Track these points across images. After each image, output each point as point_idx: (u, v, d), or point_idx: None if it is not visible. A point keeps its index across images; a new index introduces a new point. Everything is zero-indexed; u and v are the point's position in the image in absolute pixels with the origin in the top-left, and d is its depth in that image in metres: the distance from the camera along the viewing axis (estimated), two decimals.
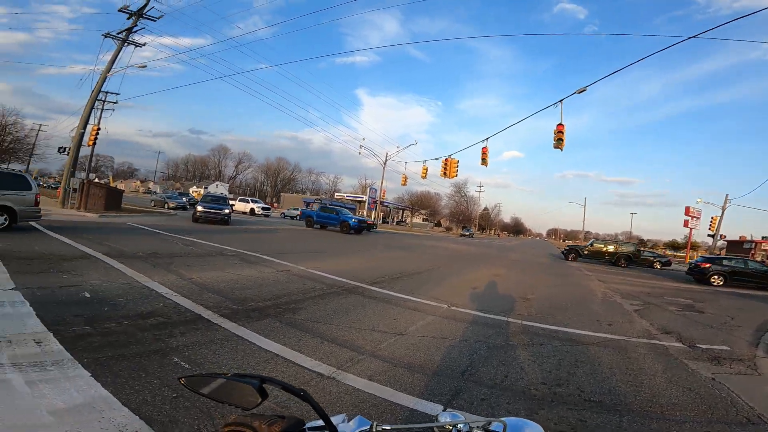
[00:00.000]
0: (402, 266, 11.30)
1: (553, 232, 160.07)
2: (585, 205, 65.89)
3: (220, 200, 20.88)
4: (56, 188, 29.82)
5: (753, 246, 40.09)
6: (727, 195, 38.47)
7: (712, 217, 40.62)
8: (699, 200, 42.76)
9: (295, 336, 4.12)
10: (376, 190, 51.86)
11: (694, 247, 52.05)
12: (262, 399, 0.72)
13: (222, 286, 5.95)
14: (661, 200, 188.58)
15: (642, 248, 31.48)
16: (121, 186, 71.32)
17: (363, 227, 25.33)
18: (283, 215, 44.48)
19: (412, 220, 68.46)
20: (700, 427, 3.03)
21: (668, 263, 31.70)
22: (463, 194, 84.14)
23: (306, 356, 3.59)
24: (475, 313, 6.25)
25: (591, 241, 25.02)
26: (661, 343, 5.59)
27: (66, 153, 20.72)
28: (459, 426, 0.80)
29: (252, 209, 36.53)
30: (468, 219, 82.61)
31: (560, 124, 13.94)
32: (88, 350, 3.14)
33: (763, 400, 3.73)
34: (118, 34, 20.06)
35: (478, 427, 0.80)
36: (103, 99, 25.31)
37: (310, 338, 4.11)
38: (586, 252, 25.75)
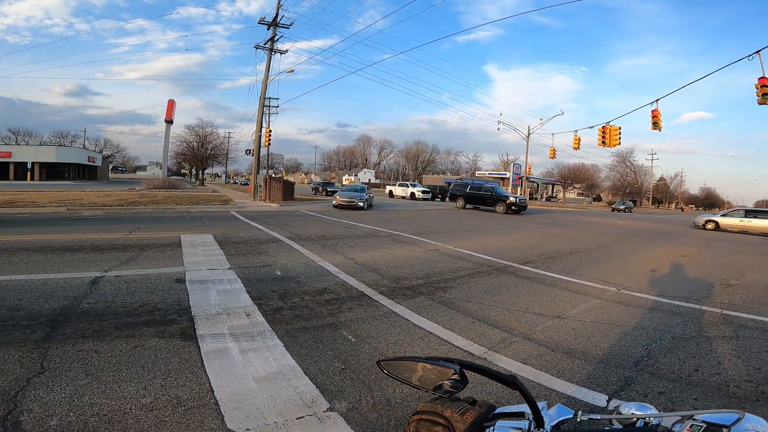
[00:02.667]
0: (557, 245, 10.42)
1: (762, 204, 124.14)
2: None
3: None
4: (247, 185, 36.89)
5: None
6: None
7: None
8: None
9: (446, 314, 4.26)
10: (520, 165, 48.52)
11: None
12: (463, 386, 0.69)
13: (379, 265, 6.51)
14: None
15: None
16: (291, 179, 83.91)
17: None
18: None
19: (564, 195, 62.05)
20: None
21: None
22: (629, 164, 72.24)
23: (457, 335, 3.69)
24: (654, 298, 5.38)
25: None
26: None
27: (250, 154, 25.39)
28: (652, 420, 0.71)
29: (412, 193, 37.24)
30: (638, 191, 70.66)
31: (763, 78, 10.85)
32: (281, 322, 3.77)
33: None
34: (265, 44, 23.33)
35: (691, 417, 0.66)
36: (268, 105, 29.97)
37: (461, 317, 4.20)
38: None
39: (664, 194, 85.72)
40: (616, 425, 0.73)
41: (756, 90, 11.50)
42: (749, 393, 2.79)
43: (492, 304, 4.70)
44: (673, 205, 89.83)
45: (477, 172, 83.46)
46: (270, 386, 2.60)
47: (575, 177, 63.78)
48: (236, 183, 76.28)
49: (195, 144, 55.14)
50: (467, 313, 4.33)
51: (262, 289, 4.88)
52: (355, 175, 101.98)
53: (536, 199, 62.24)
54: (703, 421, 0.64)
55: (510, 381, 0.66)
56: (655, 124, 15.82)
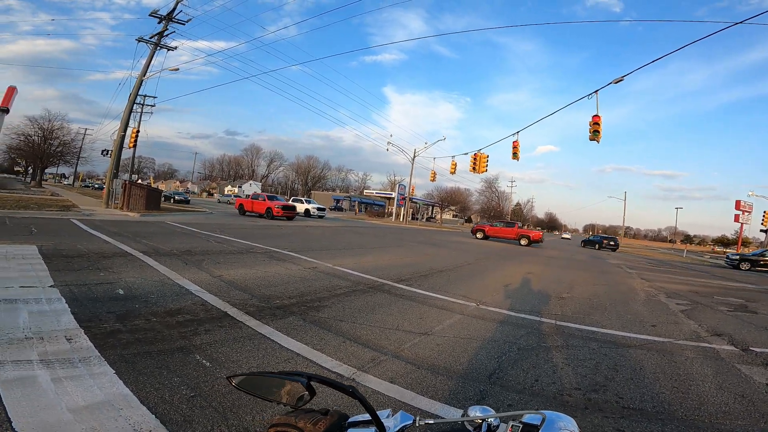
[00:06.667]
0: (431, 263, 11.11)
1: (590, 228, 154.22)
2: (625, 200, 62.44)
3: None
4: (102, 189, 31.89)
5: None
6: None
7: (765, 211, 37.69)
8: (751, 193, 39.73)
9: (317, 335, 4.08)
10: (405, 186, 51.62)
11: (746, 243, 48.45)
12: (310, 397, 0.73)
13: (249, 284, 6.01)
14: (709, 194, 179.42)
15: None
16: (162, 186, 74.83)
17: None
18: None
19: (441, 217, 67.76)
20: None
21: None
22: (494, 189, 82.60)
23: (327, 356, 3.54)
24: (506, 312, 6.01)
25: None
26: (710, 346, 5.18)
27: (108, 155, 21.88)
28: (490, 420, 0.82)
29: (307, 210, 33.72)
30: (499, 215, 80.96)
31: (596, 116, 13.30)
32: (116, 347, 3.21)
33: None
34: (151, 38, 20.95)
35: (513, 419, 0.80)
36: (141, 102, 26.52)
37: (333, 337, 4.06)
38: None
39: (519, 217, 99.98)
40: (468, 427, 0.83)
41: (589, 126, 13.61)
42: (579, 401, 3.15)
43: (365, 323, 4.67)
44: (526, 228, 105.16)
45: (365, 191, 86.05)
46: (92, 417, 2.20)
47: (451, 199, 70.30)
48: (89, 186, 65.03)
49: (36, 139, 45.65)
50: (339, 333, 4.20)
51: (95, 310, 4.07)
52: (239, 187, 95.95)
53: (417, 219, 66.57)
54: (521, 422, 0.79)
55: (349, 391, 0.70)
56: (515, 155, 18.22)
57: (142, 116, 28.46)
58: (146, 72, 21.44)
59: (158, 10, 20.88)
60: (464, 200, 76.76)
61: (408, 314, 5.30)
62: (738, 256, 28.64)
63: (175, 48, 22.07)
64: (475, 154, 22.55)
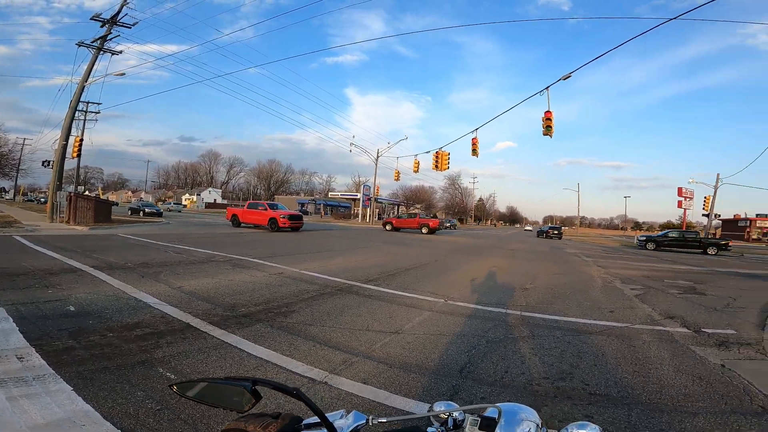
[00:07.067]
0: (398, 262, 11.17)
1: (548, 220, 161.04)
2: (579, 191, 65.72)
3: None
4: (46, 203, 29.68)
5: (748, 224, 40.28)
6: (718, 174, 38.25)
7: (705, 197, 40.75)
8: (691, 180, 42.98)
9: (286, 340, 3.99)
10: (369, 187, 51.65)
11: (690, 227, 52.25)
12: (255, 401, 0.72)
13: (212, 293, 5.80)
14: (654, 183, 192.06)
15: None
16: (112, 197, 70.75)
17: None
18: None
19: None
20: (713, 418, 2.88)
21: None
22: (457, 186, 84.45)
23: (297, 361, 3.47)
24: (473, 306, 6.13)
25: None
26: (665, 329, 5.43)
27: (50, 166, 20.40)
28: (454, 414, 0.82)
29: None
30: (464, 210, 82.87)
31: (548, 111, 13.87)
32: (71, 364, 3.06)
33: None
34: (93, 42, 19.82)
35: (472, 413, 0.81)
36: (84, 110, 24.95)
37: (302, 342, 3.98)
38: None
39: (482, 212, 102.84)
40: (436, 423, 0.83)
41: (542, 122, 14.06)
42: (548, 390, 3.23)
43: (334, 326, 4.62)
44: (489, 222, 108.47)
45: (330, 193, 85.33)
46: None
47: (416, 198, 71.19)
48: (32, 200, 60.50)
49: None
50: (309, 337, 4.13)
51: (45, 328, 3.84)
52: (198, 194, 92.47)
53: (384, 219, 66.72)
54: (479, 416, 0.81)
55: (294, 393, 0.70)
56: (474, 151, 18.65)
57: (86, 124, 26.81)
58: (88, 77, 20.23)
59: (101, 14, 19.82)
60: (429, 198, 77.98)
61: (377, 314, 5.30)
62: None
63: (120, 52, 21.03)
64: (437, 152, 22.93)
